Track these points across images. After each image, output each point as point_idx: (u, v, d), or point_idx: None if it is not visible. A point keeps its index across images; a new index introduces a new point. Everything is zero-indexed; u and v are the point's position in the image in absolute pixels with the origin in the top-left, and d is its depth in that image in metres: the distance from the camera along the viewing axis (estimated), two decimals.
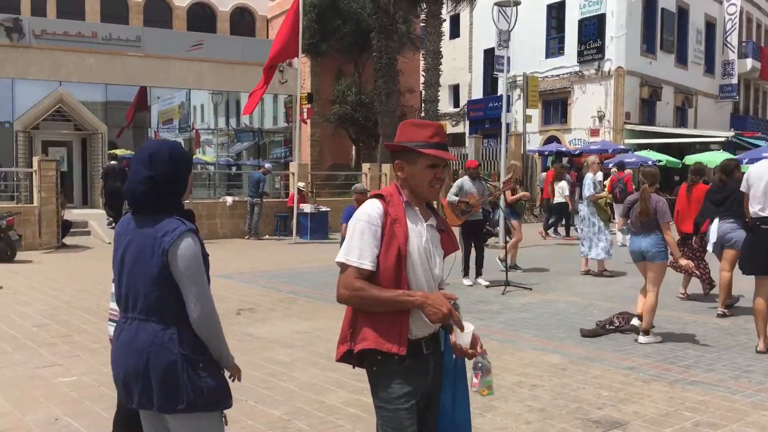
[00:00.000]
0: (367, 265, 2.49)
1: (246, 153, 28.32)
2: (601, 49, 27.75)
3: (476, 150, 25.64)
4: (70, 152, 22.30)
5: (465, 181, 9.93)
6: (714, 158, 22.76)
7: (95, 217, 17.73)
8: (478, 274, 9.99)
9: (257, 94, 16.69)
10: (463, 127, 35.77)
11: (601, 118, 27.74)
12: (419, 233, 2.58)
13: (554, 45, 30.21)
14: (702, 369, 5.55)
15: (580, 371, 5.48)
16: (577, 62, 28.65)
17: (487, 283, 9.79)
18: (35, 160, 14.09)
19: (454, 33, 36.78)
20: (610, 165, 24.80)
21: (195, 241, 2.52)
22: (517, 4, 15.19)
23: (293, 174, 18.22)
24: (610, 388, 5.03)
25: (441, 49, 24.16)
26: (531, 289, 9.42)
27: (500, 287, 9.52)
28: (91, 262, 12.44)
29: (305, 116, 23.79)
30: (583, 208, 10.97)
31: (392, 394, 2.50)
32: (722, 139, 25.40)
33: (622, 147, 25.64)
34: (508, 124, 31.30)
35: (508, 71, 30.65)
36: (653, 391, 4.99)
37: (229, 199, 16.91)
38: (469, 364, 2.68)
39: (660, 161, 23.37)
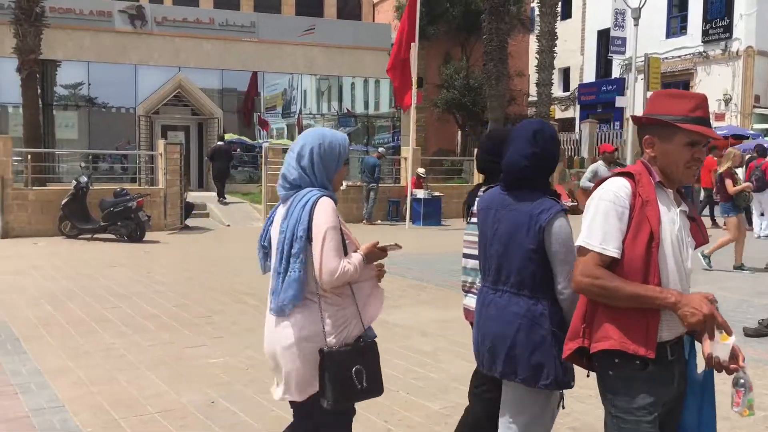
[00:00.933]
0: (611, 251, 2.19)
1: (350, 138, 28.47)
2: (728, 28, 26.02)
3: (590, 136, 24.66)
4: (187, 136, 22.98)
5: (600, 166, 9.42)
6: None
7: (212, 200, 18.20)
8: None
9: (404, 88, 16.46)
10: (573, 112, 34.59)
11: (727, 101, 26.07)
12: (672, 219, 2.25)
13: (676, 24, 28.59)
14: None
15: (756, 375, 4.96)
16: (702, 42, 26.99)
17: None
18: (161, 143, 14.53)
19: (566, 14, 35.40)
20: (743, 150, 23.36)
21: (567, 222, 2.58)
22: None
23: (405, 159, 18.07)
24: None
25: (556, 30, 23.29)
26: None
27: None
28: (214, 243, 12.71)
29: (414, 101, 23.73)
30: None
31: (634, 404, 2.19)
32: None
33: (751, 132, 23.99)
34: (623, 109, 30.25)
35: (624, 52, 29.39)
36: None
37: (343, 184, 16.91)
38: (719, 377, 2.32)
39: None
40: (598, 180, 2.40)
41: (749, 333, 6.12)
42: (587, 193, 9.33)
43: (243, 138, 24.40)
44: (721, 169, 9.91)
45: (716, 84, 26.61)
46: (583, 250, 2.24)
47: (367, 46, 23.78)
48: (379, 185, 16.77)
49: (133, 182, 19.22)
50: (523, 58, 33.84)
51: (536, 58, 23.50)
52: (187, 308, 7.16)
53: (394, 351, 5.62)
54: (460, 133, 32.14)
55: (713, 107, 26.63)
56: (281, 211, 2.67)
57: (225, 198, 18.02)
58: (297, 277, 2.49)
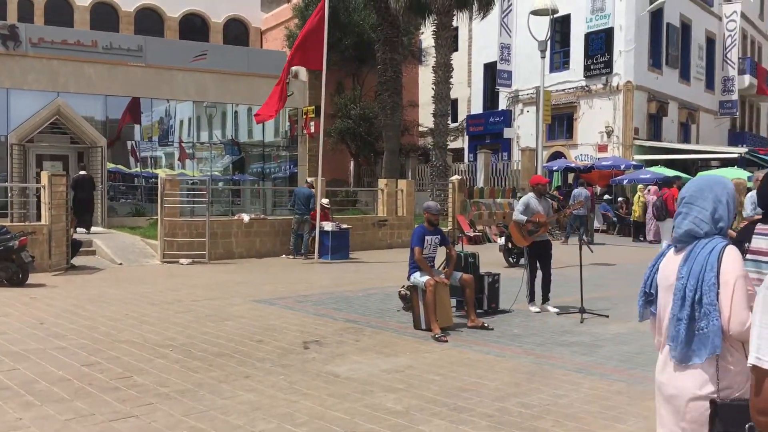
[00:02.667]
0: None
1: (235, 167, 27.40)
2: (608, 64, 27.35)
3: (485, 166, 25.03)
4: (66, 166, 21.20)
5: (531, 198, 9.19)
6: (729, 175, 22.37)
7: (97, 236, 16.74)
8: (545, 299, 9.24)
9: (274, 104, 15.59)
10: (462, 143, 35.20)
11: (609, 133, 27.29)
12: None
13: (559, 59, 29.79)
14: None
15: None
16: (584, 76, 28.22)
17: (557, 310, 9.04)
18: (45, 174, 13.09)
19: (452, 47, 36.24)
20: (625, 181, 24.39)
21: None
22: (554, 12, 14.23)
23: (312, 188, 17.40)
24: None
25: (451, 62, 23.52)
26: (608, 317, 8.69)
27: (571, 314, 8.81)
28: (109, 285, 11.47)
29: (312, 130, 23.18)
30: None
31: None
32: (735, 156, 25.04)
33: (633, 163, 25.16)
34: (510, 139, 31.07)
35: (511, 84, 30.22)
36: None
37: (246, 217, 16.00)
38: None
39: (672, 177, 22.90)
40: None
41: None
42: (520, 226, 9.09)
43: (120, 167, 22.90)
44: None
45: (598, 117, 27.85)
46: (761, 372, 1.77)
47: (261, 73, 22.97)
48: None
49: (3, 218, 17.34)
50: (412, 89, 34.11)
51: (432, 88, 23.60)
52: (100, 368, 6.17)
53: (360, 412, 4.97)
54: (353, 162, 31.78)
55: (596, 139, 27.84)
56: (675, 257, 2.59)
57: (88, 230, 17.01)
58: (719, 326, 2.38)
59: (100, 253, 15.46)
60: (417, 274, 7.85)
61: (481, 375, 5.95)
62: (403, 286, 9.35)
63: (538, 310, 9.10)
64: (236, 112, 25.80)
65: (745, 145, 29.36)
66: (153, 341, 7.24)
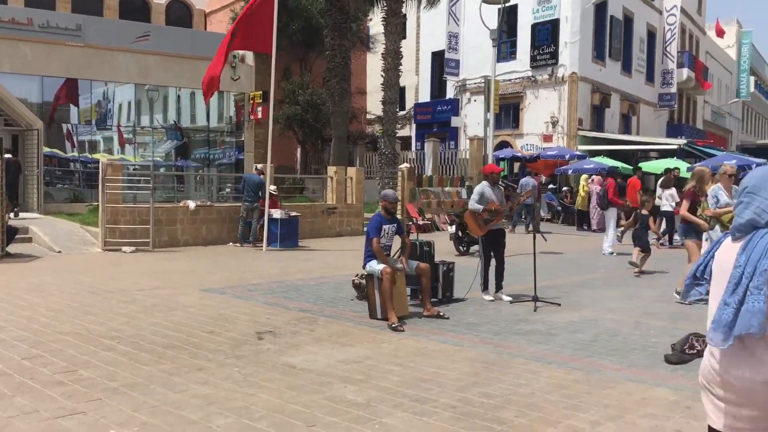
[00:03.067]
0: None
1: (174, 153, 26.75)
2: (554, 55, 27.71)
3: (434, 154, 25.06)
4: None
5: (485, 187, 9.17)
6: (666, 165, 22.96)
7: (34, 222, 16.10)
8: (499, 288, 9.25)
9: (214, 75, 14.64)
10: (409, 131, 35.20)
11: (554, 123, 27.67)
12: None
13: (506, 49, 30.00)
14: None
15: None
16: (530, 67, 28.53)
17: (510, 299, 9.07)
18: None
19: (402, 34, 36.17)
20: (569, 171, 24.77)
21: None
22: (506, 2, 14.24)
23: (261, 176, 17.07)
24: None
25: (401, 49, 23.41)
26: (560, 305, 8.77)
27: (524, 302, 8.85)
28: (47, 274, 11.00)
29: (259, 115, 22.78)
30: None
31: None
32: (675, 147, 25.71)
33: (578, 153, 25.58)
34: (458, 128, 31.21)
35: (458, 73, 30.32)
36: None
37: (192, 204, 15.59)
38: None
39: (617, 167, 23.37)
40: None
41: (672, 360, 6.01)
42: (476, 215, 9.07)
43: (56, 151, 22.10)
44: (687, 187, 9.67)
45: (544, 107, 28.22)
46: None
47: (206, 56, 22.35)
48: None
49: None
50: (361, 75, 33.92)
51: (382, 76, 23.46)
52: (43, 361, 5.86)
53: (320, 404, 4.83)
54: (300, 149, 31.46)
55: (541, 129, 28.19)
56: (732, 246, 2.55)
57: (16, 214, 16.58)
58: (762, 308, 2.36)
59: (37, 241, 14.87)
60: (373, 263, 7.74)
61: (441, 365, 5.89)
62: (357, 275, 9.24)
63: (491, 298, 9.11)
64: (179, 96, 25.19)
65: (683, 137, 30.15)
66: (98, 333, 6.95)
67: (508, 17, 30.15)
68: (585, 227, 21.70)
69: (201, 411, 4.69)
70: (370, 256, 7.81)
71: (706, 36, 46.26)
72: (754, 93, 57.19)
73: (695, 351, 6.21)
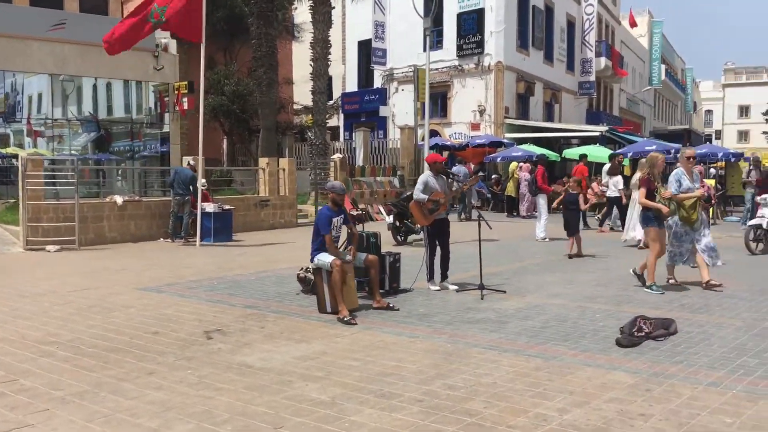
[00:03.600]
0: None
1: (91, 146, 25.71)
2: (480, 44, 28.03)
3: (365, 144, 24.96)
4: None
5: (429, 177, 9.15)
6: (592, 152, 23.65)
7: None
8: (444, 277, 9.27)
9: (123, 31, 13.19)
10: (337, 121, 34.98)
11: (481, 112, 28.03)
12: None
13: (432, 38, 30.07)
14: None
15: (672, 393, 4.87)
16: (457, 56, 28.76)
17: (456, 287, 9.10)
18: None
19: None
20: (498, 159, 25.14)
21: None
22: None
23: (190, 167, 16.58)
24: (730, 413, 4.47)
25: (329, 38, 23.16)
26: (505, 292, 8.85)
27: (470, 291, 8.90)
28: None
29: (185, 106, 22.12)
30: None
31: None
32: (596, 134, 26.46)
33: (506, 141, 26.00)
34: (386, 118, 31.20)
35: (386, 63, 30.25)
36: None
37: (119, 199, 14.99)
38: None
39: (545, 155, 23.88)
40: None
41: (624, 344, 6.14)
42: (420, 205, 9.03)
43: None
44: (639, 175, 9.63)
45: (471, 96, 28.54)
46: None
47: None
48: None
49: None
50: (287, 65, 33.42)
51: (310, 65, 23.15)
52: None
53: (284, 405, 4.68)
54: (226, 140, 30.77)
55: (469, 118, 28.51)
56: None
57: None
58: None
59: None
60: (322, 255, 7.59)
61: (400, 358, 5.82)
62: (302, 269, 9.09)
63: (437, 288, 9.12)
64: (95, 86, 24.17)
65: (603, 124, 31.09)
66: (33, 338, 6.56)
67: (434, 6, 30.31)
68: (515, 214, 22.10)
69: (159, 418, 4.47)
70: (318, 249, 7.65)
71: (621, 26, 47.82)
72: (664, 81, 59.55)
73: (643, 333, 6.37)
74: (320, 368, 5.55)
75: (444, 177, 9.44)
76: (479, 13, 28.06)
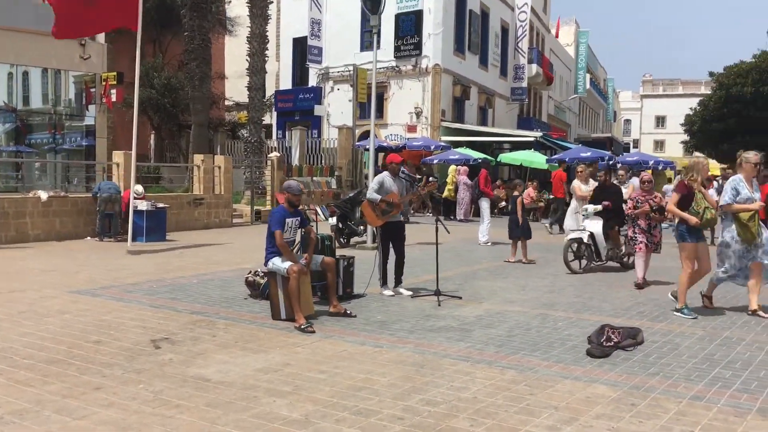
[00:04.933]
0: None
1: (5, 137, 24.27)
2: (418, 46, 27.96)
3: (301, 143, 24.46)
4: None
5: (386, 177, 8.86)
6: (528, 157, 23.93)
7: None
8: (398, 282, 9.00)
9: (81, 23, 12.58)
10: (270, 119, 34.24)
11: (418, 114, 27.94)
12: None
13: (369, 38, 29.83)
14: None
15: (658, 408, 4.73)
16: (394, 57, 28.60)
17: (410, 293, 8.84)
18: None
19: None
20: (435, 161, 25.09)
21: None
22: None
23: (117, 165, 15.80)
24: (722, 430, 4.35)
25: (266, 33, 22.57)
26: (461, 298, 8.66)
27: (425, 296, 8.68)
28: None
29: (113, 98, 21.10)
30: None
31: None
32: (531, 139, 26.78)
33: (442, 144, 25.99)
34: (321, 117, 30.75)
35: (321, 61, 29.82)
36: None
37: (43, 195, 14.05)
38: None
39: (478, 159, 23.99)
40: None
41: (596, 354, 6.00)
42: (375, 205, 8.73)
43: None
44: (686, 180, 7.78)
45: (408, 98, 28.43)
46: None
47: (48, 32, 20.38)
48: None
49: None
50: (220, 60, 32.53)
51: (247, 60, 22.53)
52: None
53: (254, 424, 4.29)
54: (153, 136, 29.62)
55: (406, 120, 28.40)
56: None
57: None
58: None
59: None
60: (277, 260, 7.18)
61: (368, 370, 5.50)
62: (251, 272, 8.66)
63: (391, 293, 8.84)
64: (11, 73, 22.82)
65: (537, 129, 31.57)
66: None
67: (370, 6, 30.02)
68: (452, 217, 22.07)
69: None
70: (273, 252, 7.24)
71: (550, 34, 48.85)
72: (589, 90, 61.26)
73: (612, 343, 6.26)
74: (286, 381, 5.17)
75: (402, 179, 9.16)
76: (417, 15, 27.99)
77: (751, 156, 7.64)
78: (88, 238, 14.46)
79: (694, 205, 7.56)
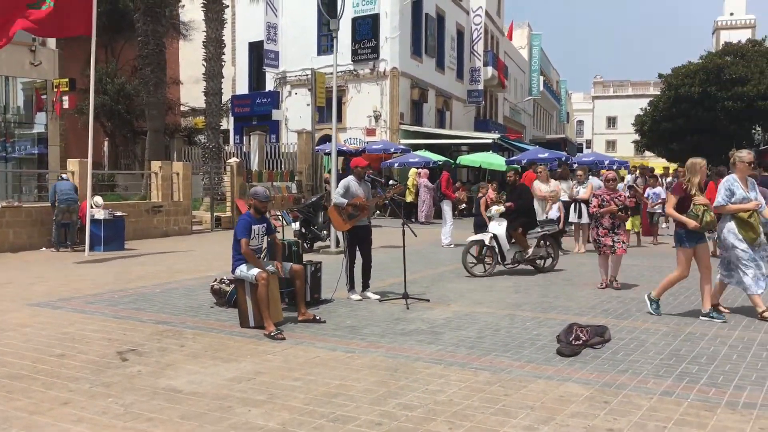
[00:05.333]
0: None
1: None
2: (375, 49, 28.00)
3: (260, 148, 24.26)
4: None
5: (351, 181, 8.84)
6: (486, 159, 24.15)
7: None
8: (366, 286, 8.98)
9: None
10: (227, 124, 33.88)
11: (377, 117, 27.98)
12: None
13: (326, 42, 29.82)
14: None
15: (630, 405, 4.81)
16: (352, 61, 28.58)
17: (378, 297, 8.83)
18: None
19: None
20: (395, 164, 25.14)
21: None
22: None
23: (72, 173, 15.45)
24: (695, 424, 4.43)
25: (223, 37, 22.34)
26: (428, 300, 8.69)
27: (392, 300, 8.68)
28: None
29: (66, 105, 20.63)
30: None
31: None
32: (489, 141, 27.03)
33: (402, 147, 26.06)
34: (278, 122, 30.55)
35: (278, 65, 29.67)
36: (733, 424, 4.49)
37: None
38: None
39: (438, 162, 24.11)
40: None
41: (566, 353, 6.07)
42: (341, 209, 8.69)
43: None
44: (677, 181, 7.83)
45: (366, 101, 28.44)
46: None
47: None
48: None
49: None
50: (174, 65, 32.07)
51: (203, 65, 22.24)
52: None
53: None
54: (107, 142, 29.03)
55: (365, 123, 28.39)
56: None
57: None
58: None
59: None
60: (244, 267, 7.09)
61: (342, 375, 5.46)
62: (216, 279, 8.55)
63: (359, 297, 8.81)
64: None
65: (495, 131, 31.89)
66: None
67: (328, 10, 29.98)
68: (413, 220, 22.12)
69: None
70: (240, 259, 7.15)
71: (504, 37, 49.43)
72: (543, 92, 62.18)
73: (581, 342, 6.35)
74: (259, 390, 5.11)
75: (368, 183, 9.16)
76: (374, 19, 28.02)
77: (745, 155, 7.53)
78: (44, 248, 14.10)
79: (693, 208, 7.34)
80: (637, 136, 57.21)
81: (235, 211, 19.06)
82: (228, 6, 24.15)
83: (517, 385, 5.20)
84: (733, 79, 42.10)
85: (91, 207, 13.37)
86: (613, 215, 9.62)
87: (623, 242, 9.67)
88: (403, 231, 8.76)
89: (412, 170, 22.91)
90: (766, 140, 49.36)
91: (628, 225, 13.49)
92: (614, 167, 24.55)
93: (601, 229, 9.63)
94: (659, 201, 15.64)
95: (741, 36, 59.05)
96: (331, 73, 28.57)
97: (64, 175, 14.83)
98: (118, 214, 14.32)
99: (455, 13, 35.32)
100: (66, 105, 20.86)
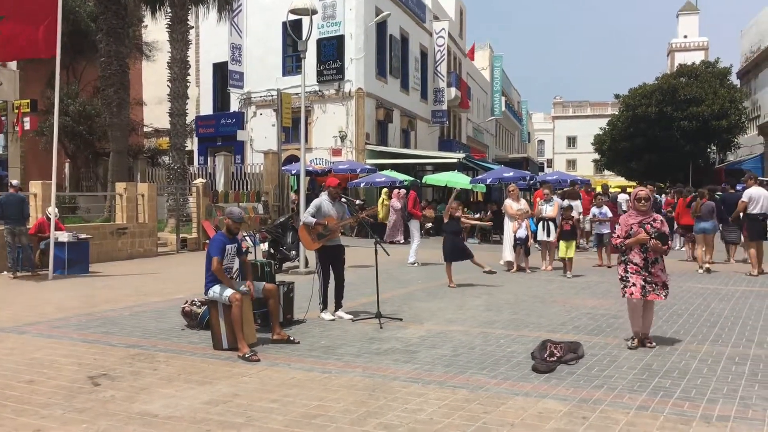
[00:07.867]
0: None
1: None
2: (341, 70, 28.13)
3: (225, 169, 24.10)
4: None
5: (324, 201, 8.83)
6: (452, 178, 24.37)
7: None
8: (339, 306, 8.95)
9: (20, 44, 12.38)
10: (191, 144, 33.60)
11: (343, 138, 28.04)
12: None
13: (292, 63, 29.89)
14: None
15: (609, 420, 4.87)
16: (317, 81, 28.66)
17: (351, 316, 8.81)
18: None
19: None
20: (362, 184, 25.16)
21: None
22: (314, 13, 13.99)
23: (35, 195, 15.16)
24: None
25: (188, 58, 22.22)
26: (401, 320, 8.70)
27: (365, 320, 8.67)
28: None
29: (27, 126, 20.28)
30: None
31: None
32: (455, 161, 27.25)
33: (368, 167, 26.13)
34: (244, 142, 30.44)
35: (243, 86, 29.65)
36: None
37: None
38: None
39: (405, 182, 24.23)
40: None
41: (541, 370, 6.13)
42: (310, 228, 8.67)
43: None
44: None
45: (332, 121, 28.51)
46: None
47: None
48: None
49: None
50: (137, 85, 31.77)
51: (168, 86, 22.08)
52: None
53: None
54: (68, 164, 28.54)
55: (330, 144, 28.43)
56: None
57: None
58: None
59: None
60: (217, 288, 7.03)
61: (321, 396, 5.43)
62: (186, 302, 8.44)
63: (332, 317, 8.78)
64: None
65: (460, 151, 32.17)
66: None
67: (293, 31, 30.06)
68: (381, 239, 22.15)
69: None
70: (213, 280, 7.08)
71: (466, 58, 50.09)
72: (504, 112, 63.05)
73: (555, 358, 6.42)
74: (237, 413, 5.05)
75: (344, 203, 9.17)
76: (339, 40, 28.19)
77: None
78: (3, 272, 13.75)
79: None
80: (596, 155, 58.30)
81: (201, 233, 18.87)
82: (193, 27, 24.04)
83: (496, 402, 5.23)
84: (688, 99, 43.27)
85: (47, 218, 13.03)
86: (645, 248, 7.01)
87: (659, 284, 7.04)
88: (375, 250, 8.77)
89: (384, 190, 22.92)
90: (721, 159, 50.73)
91: (562, 252, 13.30)
92: (576, 186, 24.95)
93: (631, 265, 7.07)
94: (606, 219, 15.00)
95: (695, 57, 60.69)
96: (297, 94, 28.70)
97: (14, 181, 14.33)
98: (83, 236, 14.06)
99: (419, 35, 35.71)
100: (27, 126, 20.50)
